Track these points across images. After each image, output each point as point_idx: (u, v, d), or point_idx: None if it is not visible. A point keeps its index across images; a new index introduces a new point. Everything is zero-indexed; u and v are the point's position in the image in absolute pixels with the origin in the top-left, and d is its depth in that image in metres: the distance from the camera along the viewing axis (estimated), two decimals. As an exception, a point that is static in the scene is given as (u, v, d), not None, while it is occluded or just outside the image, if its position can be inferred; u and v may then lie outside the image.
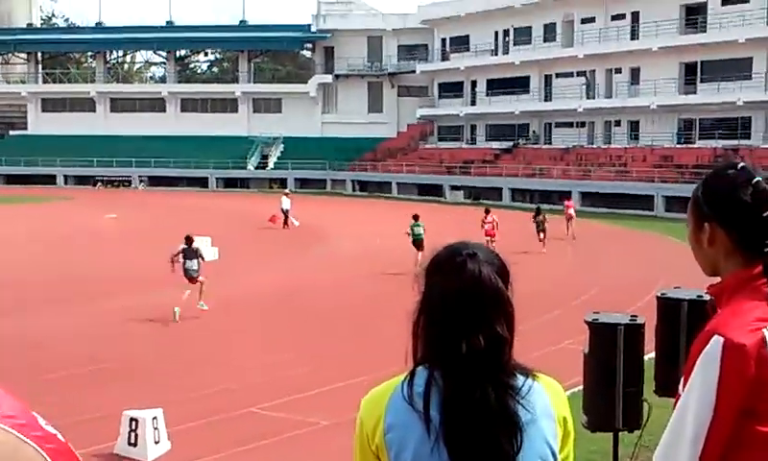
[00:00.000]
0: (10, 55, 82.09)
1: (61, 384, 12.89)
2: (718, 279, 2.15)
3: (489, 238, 26.50)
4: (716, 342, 1.93)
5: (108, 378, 13.33)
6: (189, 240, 18.82)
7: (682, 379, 2.03)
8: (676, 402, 2.04)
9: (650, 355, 7.12)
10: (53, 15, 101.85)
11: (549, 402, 2.01)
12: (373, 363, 13.76)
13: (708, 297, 6.82)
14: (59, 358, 14.53)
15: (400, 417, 1.97)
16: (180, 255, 18.49)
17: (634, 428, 6.81)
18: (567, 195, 41.92)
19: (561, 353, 13.17)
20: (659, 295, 6.92)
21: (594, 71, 56.65)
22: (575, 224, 34.01)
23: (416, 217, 25.90)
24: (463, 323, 1.95)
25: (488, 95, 64.10)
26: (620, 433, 6.96)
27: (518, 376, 1.99)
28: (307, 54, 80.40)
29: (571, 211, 34.58)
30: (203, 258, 18.91)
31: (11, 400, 1.36)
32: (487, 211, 29.16)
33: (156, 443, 9.97)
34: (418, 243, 24.87)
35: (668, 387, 6.85)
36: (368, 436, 2.02)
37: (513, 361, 2.01)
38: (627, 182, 48.61)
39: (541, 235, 30.00)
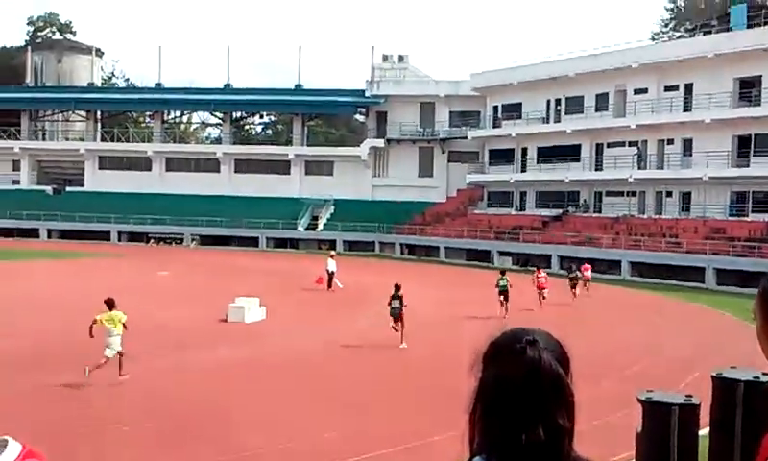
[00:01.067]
0: (70, 112, 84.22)
1: (104, 440, 12.99)
2: None
3: (541, 291, 32.50)
4: None
5: (152, 437, 13.41)
6: (398, 287, 23.69)
7: None
8: None
9: (702, 432, 7.00)
10: (113, 75, 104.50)
11: None
12: (411, 433, 13.73)
13: (765, 378, 6.67)
14: (104, 416, 14.65)
15: None
16: (390, 299, 23.63)
17: (686, 511, 6.68)
18: (586, 261, 43.73)
19: (609, 428, 12.98)
20: (714, 374, 6.82)
21: (646, 141, 56.48)
22: (590, 284, 38.90)
23: (502, 272, 30.76)
24: (522, 412, 1.90)
25: (538, 162, 64.13)
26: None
27: None
28: (360, 118, 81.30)
29: (588, 274, 39.30)
30: (404, 305, 23.47)
31: None
32: (538, 269, 34.62)
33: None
34: (504, 293, 29.69)
35: (722, 470, 6.73)
36: None
37: (574, 453, 1.95)
38: (677, 254, 48.07)
39: (575, 290, 36.16)
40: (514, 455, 1.90)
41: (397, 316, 23.19)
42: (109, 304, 17.68)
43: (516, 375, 1.92)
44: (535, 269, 35.10)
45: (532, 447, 1.89)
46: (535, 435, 1.89)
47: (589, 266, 40.98)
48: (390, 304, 23.62)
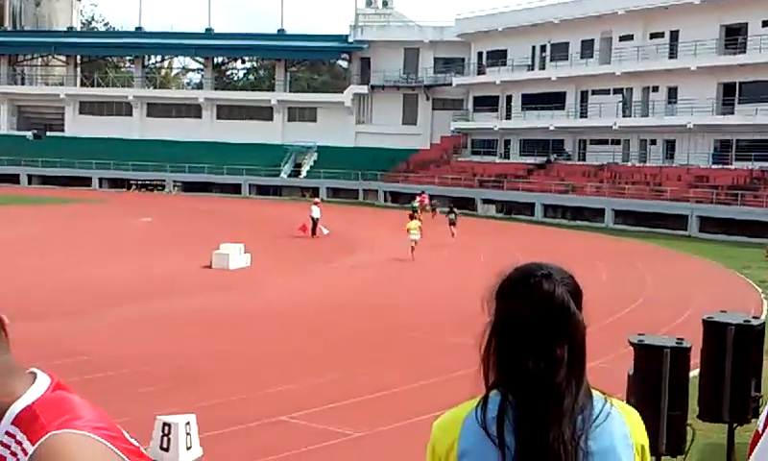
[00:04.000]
0: (49, 57, 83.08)
1: (95, 387, 12.92)
2: None
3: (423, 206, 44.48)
4: None
5: (142, 382, 13.37)
6: (451, 207, 37.04)
7: (762, 417, 1.95)
8: (755, 441, 1.96)
9: (692, 373, 6.97)
10: (93, 19, 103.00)
11: (628, 430, 1.95)
12: (406, 376, 13.76)
13: (755, 322, 6.63)
14: (93, 361, 14.58)
15: (474, 442, 1.91)
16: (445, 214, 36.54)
17: (676, 454, 6.68)
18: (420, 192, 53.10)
19: (595, 372, 12.96)
20: (705, 318, 6.79)
21: (631, 89, 56.25)
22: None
23: (411, 217, 34.91)
24: (536, 345, 1.89)
25: (523, 110, 63.86)
26: (663, 458, 6.83)
27: (596, 401, 1.94)
28: (344, 64, 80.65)
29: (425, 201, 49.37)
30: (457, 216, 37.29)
31: (99, 412, 1.34)
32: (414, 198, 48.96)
33: (188, 448, 9.95)
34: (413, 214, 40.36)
35: (713, 412, 6.73)
36: None
37: (589, 385, 1.97)
38: (661, 201, 48.16)
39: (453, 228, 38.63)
40: (529, 388, 1.89)
41: (454, 223, 36.71)
42: (411, 217, 32.46)
43: (532, 309, 1.92)
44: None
45: (547, 378, 1.88)
46: (550, 366, 1.89)
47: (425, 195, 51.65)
48: (449, 216, 37.48)
